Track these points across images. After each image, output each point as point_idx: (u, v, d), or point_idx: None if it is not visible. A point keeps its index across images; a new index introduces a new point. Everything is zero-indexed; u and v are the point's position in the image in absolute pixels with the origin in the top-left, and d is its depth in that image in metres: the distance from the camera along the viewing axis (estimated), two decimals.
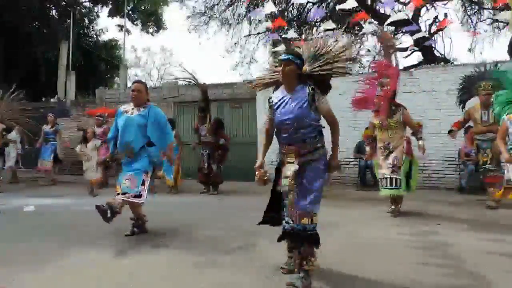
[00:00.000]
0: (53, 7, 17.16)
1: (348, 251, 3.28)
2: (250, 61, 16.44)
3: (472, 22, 13.19)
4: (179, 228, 4.27)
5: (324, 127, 2.66)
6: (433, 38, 10.60)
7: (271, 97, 2.76)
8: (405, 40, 12.22)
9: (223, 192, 7.27)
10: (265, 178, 2.70)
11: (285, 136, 2.62)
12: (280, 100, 2.66)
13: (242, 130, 9.91)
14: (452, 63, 10.49)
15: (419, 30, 8.32)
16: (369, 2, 9.39)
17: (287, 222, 2.55)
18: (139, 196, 3.65)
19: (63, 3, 17.00)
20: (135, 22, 19.43)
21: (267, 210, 2.84)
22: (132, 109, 3.85)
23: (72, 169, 10.21)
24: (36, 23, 16.30)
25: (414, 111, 7.06)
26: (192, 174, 9.09)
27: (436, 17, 11.31)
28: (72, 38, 14.43)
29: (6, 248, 3.44)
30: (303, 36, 3.00)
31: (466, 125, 6.02)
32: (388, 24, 8.27)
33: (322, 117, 2.64)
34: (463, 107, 6.07)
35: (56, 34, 15.27)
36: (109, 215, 3.48)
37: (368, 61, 13.25)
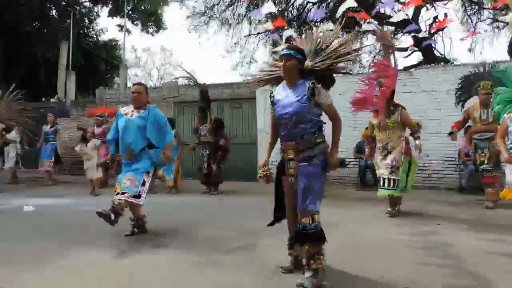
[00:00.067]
0: (53, 7, 17.15)
1: (348, 251, 3.28)
2: (250, 61, 16.47)
3: (472, 22, 13.21)
4: (179, 228, 4.27)
5: (325, 123, 2.65)
6: (433, 38, 10.60)
7: (272, 92, 2.76)
8: (405, 40, 12.24)
9: (223, 192, 7.27)
10: (268, 174, 2.72)
11: (284, 131, 2.62)
12: (280, 95, 2.67)
13: (242, 130, 9.91)
14: (452, 63, 10.49)
15: (419, 30, 8.32)
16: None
17: None
18: (138, 196, 3.64)
19: (63, 3, 16.98)
20: (135, 22, 19.43)
21: (275, 210, 2.85)
22: (132, 111, 3.87)
23: (72, 169, 10.22)
24: (36, 23, 16.28)
25: (414, 111, 7.07)
26: (192, 174, 9.10)
27: (436, 17, 11.31)
28: (72, 38, 14.42)
29: (6, 248, 3.44)
30: (303, 36, 3.00)
31: (466, 125, 6.02)
32: (388, 24, 8.27)
33: (324, 113, 2.62)
34: (462, 107, 6.08)
35: (56, 34, 15.27)
36: (112, 218, 3.49)
37: (368, 61, 13.29)
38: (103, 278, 2.68)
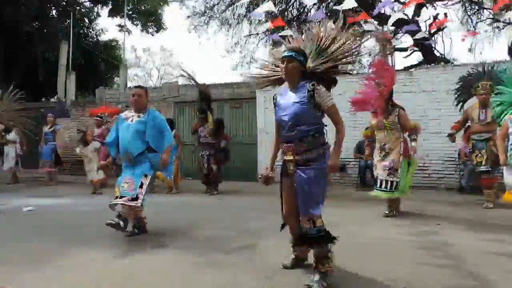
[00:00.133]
0: (53, 7, 17.14)
1: (348, 251, 3.27)
2: (250, 61, 16.47)
3: (472, 22, 13.21)
4: (179, 228, 4.27)
5: (327, 125, 2.64)
6: (433, 38, 10.60)
7: (275, 95, 2.76)
8: (405, 40, 12.24)
9: (223, 192, 7.27)
10: (269, 176, 2.74)
11: (284, 133, 2.62)
12: (282, 96, 2.67)
13: (242, 130, 9.91)
14: (452, 63, 10.49)
15: (419, 30, 8.33)
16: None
17: None
18: (135, 199, 3.65)
19: (63, 3, 16.98)
20: (135, 22, 19.41)
21: (282, 211, 2.83)
22: (132, 115, 3.90)
23: (72, 169, 10.22)
24: (36, 23, 16.28)
25: (414, 111, 7.07)
26: (192, 174, 9.11)
27: (436, 16, 11.31)
28: (72, 38, 14.41)
29: (6, 248, 3.44)
30: (303, 36, 2.98)
31: (466, 125, 6.01)
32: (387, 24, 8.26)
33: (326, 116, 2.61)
34: (462, 107, 6.07)
35: (56, 34, 15.27)
36: (122, 225, 3.62)
37: (368, 61, 13.26)
38: (103, 278, 2.68)
